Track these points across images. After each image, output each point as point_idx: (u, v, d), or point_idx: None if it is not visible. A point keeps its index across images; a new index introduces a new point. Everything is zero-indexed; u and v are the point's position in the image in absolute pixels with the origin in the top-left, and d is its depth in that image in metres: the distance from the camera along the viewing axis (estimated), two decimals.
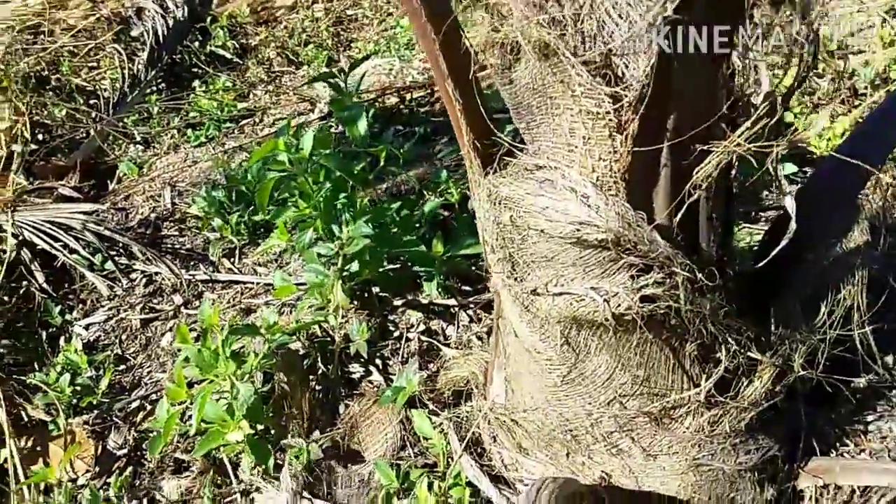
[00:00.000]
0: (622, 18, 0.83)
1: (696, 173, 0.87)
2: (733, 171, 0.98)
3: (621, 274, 0.96)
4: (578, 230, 0.93)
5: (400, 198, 2.06)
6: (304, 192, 1.88)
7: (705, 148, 0.86)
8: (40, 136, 2.88)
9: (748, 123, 0.82)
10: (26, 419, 1.89)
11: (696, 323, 0.98)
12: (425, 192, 2.25)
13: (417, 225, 1.95)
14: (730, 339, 1.02)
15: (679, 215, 0.93)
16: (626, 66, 0.85)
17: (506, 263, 1.07)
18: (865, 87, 2.24)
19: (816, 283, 1.16)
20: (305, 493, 1.41)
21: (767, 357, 1.06)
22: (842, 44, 2.42)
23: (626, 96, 0.83)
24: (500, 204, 1.04)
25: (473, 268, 1.97)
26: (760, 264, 1.02)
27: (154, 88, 3.21)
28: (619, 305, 0.94)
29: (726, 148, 0.80)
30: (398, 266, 1.98)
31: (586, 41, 0.84)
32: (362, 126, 1.76)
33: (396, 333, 1.91)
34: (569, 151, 0.94)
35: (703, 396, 1.02)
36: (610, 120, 0.87)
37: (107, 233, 2.30)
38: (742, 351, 1.03)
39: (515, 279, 1.07)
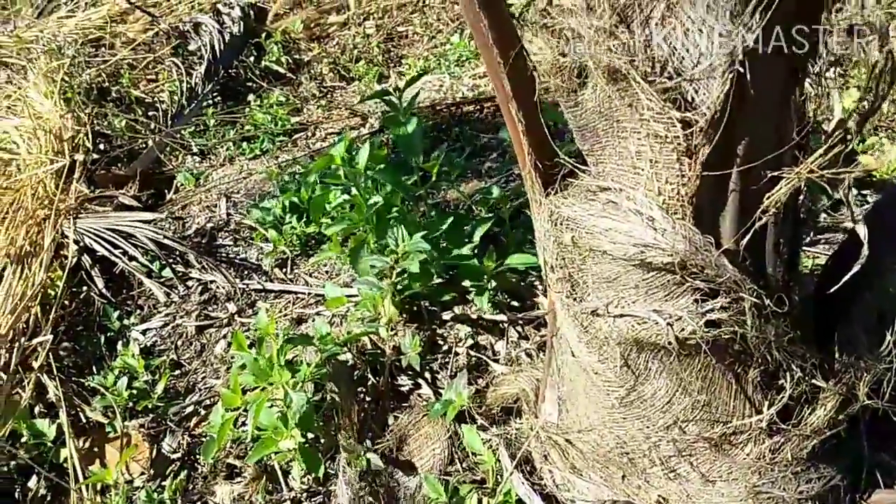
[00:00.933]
0: (693, 45, 0.83)
1: (766, 199, 0.87)
2: (801, 197, 0.97)
3: (685, 297, 0.95)
4: (643, 253, 0.93)
5: (450, 213, 2.08)
6: (358, 204, 1.92)
7: (776, 174, 0.85)
8: (101, 146, 2.97)
9: (821, 151, 0.81)
10: (84, 420, 1.95)
11: (761, 349, 0.97)
12: (474, 207, 2.27)
13: (468, 240, 1.97)
14: (794, 366, 1.01)
15: (746, 240, 0.93)
16: (697, 92, 0.85)
17: (565, 283, 1.08)
18: None
19: (882, 310, 1.13)
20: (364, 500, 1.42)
21: (831, 385, 1.05)
22: None
23: (696, 122, 0.83)
24: (561, 224, 1.04)
25: (523, 284, 1.98)
26: (827, 290, 1.00)
27: (210, 101, 3.29)
28: (684, 330, 0.94)
29: (799, 174, 0.80)
30: (447, 280, 2.00)
31: (656, 66, 0.85)
32: (417, 143, 1.78)
33: (445, 347, 1.92)
34: (634, 174, 0.94)
35: (765, 423, 1.01)
36: (679, 144, 0.87)
37: (165, 241, 2.36)
38: (806, 378, 1.02)
39: (575, 299, 1.07)
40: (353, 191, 1.91)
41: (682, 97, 0.86)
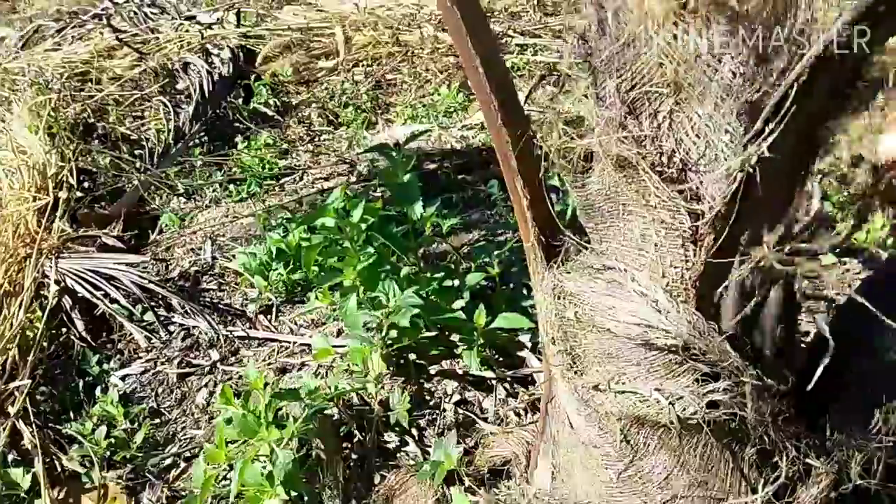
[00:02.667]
0: (699, 137, 0.87)
1: (731, 276, 0.89)
2: (797, 282, 1.00)
3: (686, 377, 0.97)
4: (647, 333, 0.95)
5: (441, 266, 2.09)
6: (349, 257, 1.92)
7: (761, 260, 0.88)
8: (85, 184, 2.95)
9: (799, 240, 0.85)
10: (60, 470, 1.90)
11: (759, 429, 0.99)
12: (464, 261, 2.29)
13: (458, 295, 1.98)
14: (789, 445, 1.03)
15: (746, 323, 0.95)
16: (702, 183, 0.89)
17: (566, 356, 1.09)
18: None
19: (872, 388, 1.16)
20: None
21: (824, 463, 1.07)
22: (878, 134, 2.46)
23: (703, 213, 0.86)
24: (564, 299, 1.06)
25: (511, 341, 1.99)
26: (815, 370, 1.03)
27: (197, 141, 3.30)
28: (685, 409, 0.96)
29: (765, 258, 0.82)
30: (436, 334, 2.00)
31: (664, 157, 0.88)
32: (415, 200, 1.80)
33: (432, 402, 1.91)
34: (639, 255, 0.97)
35: (760, 502, 1.02)
36: (684, 231, 0.90)
37: (148, 285, 2.34)
38: (800, 457, 1.04)
39: (576, 372, 1.08)
40: (346, 243, 1.92)
41: (688, 187, 0.89)
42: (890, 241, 2.10)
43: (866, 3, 0.57)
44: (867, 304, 1.23)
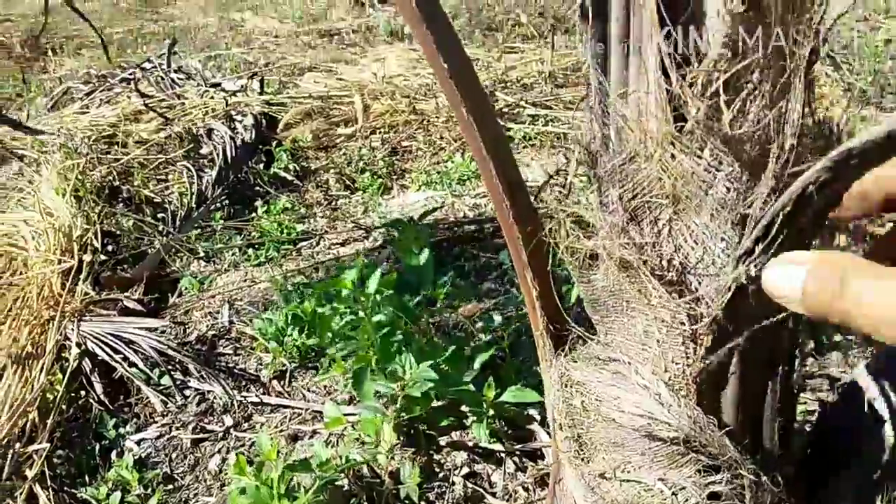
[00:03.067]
0: (697, 244, 0.92)
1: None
2: (795, 375, 1.04)
3: (689, 467, 1.01)
4: (650, 425, 0.99)
5: (453, 338, 2.14)
6: (363, 327, 1.98)
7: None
8: (109, 247, 3.04)
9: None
10: None
11: None
12: (475, 332, 2.34)
13: (468, 366, 2.02)
14: None
15: (745, 417, 0.99)
16: (700, 283, 0.94)
17: (573, 443, 1.13)
18: None
19: (871, 474, 1.19)
20: None
21: None
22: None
23: (701, 316, 0.91)
24: (571, 387, 1.11)
25: (521, 414, 2.02)
26: (814, 459, 1.06)
27: (219, 205, 3.40)
28: (688, 500, 0.99)
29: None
30: (446, 404, 2.04)
31: (664, 261, 0.94)
32: (428, 273, 1.87)
33: (441, 475, 1.93)
34: (642, 349, 1.02)
35: None
36: (684, 330, 0.95)
37: (166, 350, 2.40)
38: None
39: (582, 459, 1.12)
40: (360, 313, 1.97)
41: (687, 287, 0.95)
42: None
43: (835, 159, 0.64)
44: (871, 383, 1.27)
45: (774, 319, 0.95)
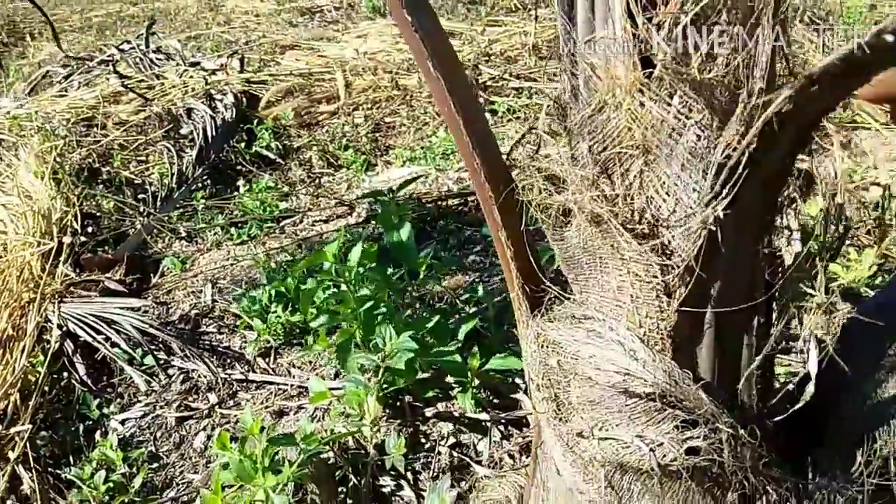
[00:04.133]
0: (668, 195, 0.91)
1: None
2: (773, 330, 1.03)
3: (666, 423, 1.00)
4: (626, 381, 0.98)
5: (436, 309, 2.13)
6: (346, 300, 1.96)
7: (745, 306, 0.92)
8: (89, 229, 3.00)
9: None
10: None
11: (739, 474, 1.01)
12: (459, 303, 2.33)
13: (453, 337, 2.01)
14: (770, 490, 1.05)
15: (722, 372, 0.98)
16: (673, 237, 0.93)
17: (551, 403, 1.12)
18: (890, 219, 2.31)
19: (856, 431, 1.18)
20: None
21: None
22: (865, 175, 2.52)
23: (672, 268, 0.90)
24: (547, 347, 1.09)
25: (506, 382, 2.02)
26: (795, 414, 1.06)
27: (200, 185, 3.36)
28: (665, 456, 0.98)
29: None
30: (431, 375, 2.03)
31: (635, 214, 0.92)
32: (410, 247, 1.85)
33: (427, 445, 1.93)
34: (616, 306, 1.00)
35: None
36: (657, 284, 0.93)
37: (149, 329, 2.37)
38: (782, 502, 1.06)
39: (560, 419, 1.11)
40: (343, 286, 1.95)
41: (660, 242, 0.93)
42: (878, 281, 2.13)
43: (796, 87, 0.62)
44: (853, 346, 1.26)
45: (748, 266, 0.95)
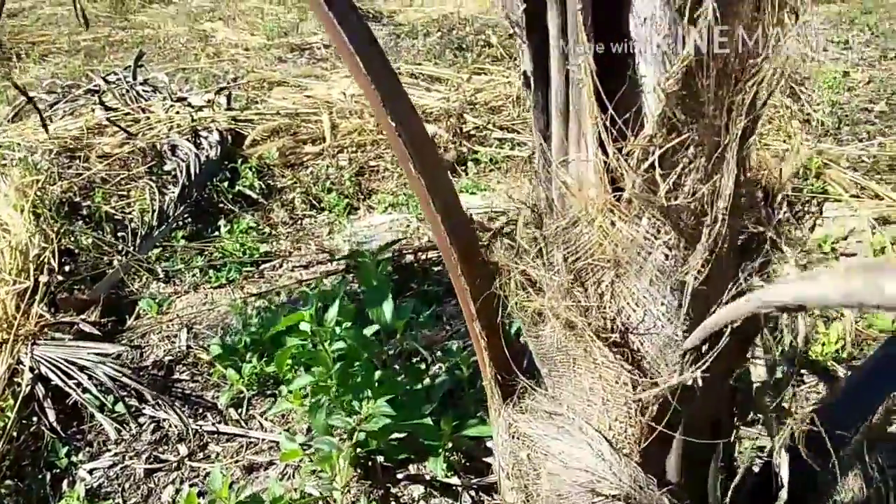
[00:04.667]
0: (638, 306, 0.94)
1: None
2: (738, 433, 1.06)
3: None
4: (592, 482, 1.00)
5: (412, 368, 2.14)
6: (321, 359, 1.96)
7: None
8: (66, 267, 2.98)
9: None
10: None
11: None
12: (433, 358, 2.34)
13: (427, 398, 2.02)
14: None
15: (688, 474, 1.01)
16: (642, 343, 0.96)
17: (520, 493, 1.14)
18: None
19: None
20: None
21: None
22: (834, 246, 2.58)
23: (644, 387, 0.93)
24: (518, 439, 1.11)
25: (479, 447, 2.02)
26: None
27: (181, 223, 3.36)
28: None
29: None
30: (404, 436, 2.03)
31: (607, 323, 0.95)
32: (389, 311, 1.87)
33: None
34: (588, 406, 1.03)
35: None
36: (628, 391, 0.96)
37: (121, 377, 2.35)
38: None
39: None
40: (319, 345, 1.96)
41: (630, 349, 0.96)
42: (845, 354, 2.18)
43: (786, 304, 0.66)
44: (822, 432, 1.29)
45: (718, 389, 0.98)
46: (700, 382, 0.86)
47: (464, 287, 1.10)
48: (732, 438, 1.05)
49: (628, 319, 0.95)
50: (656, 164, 0.82)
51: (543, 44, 0.86)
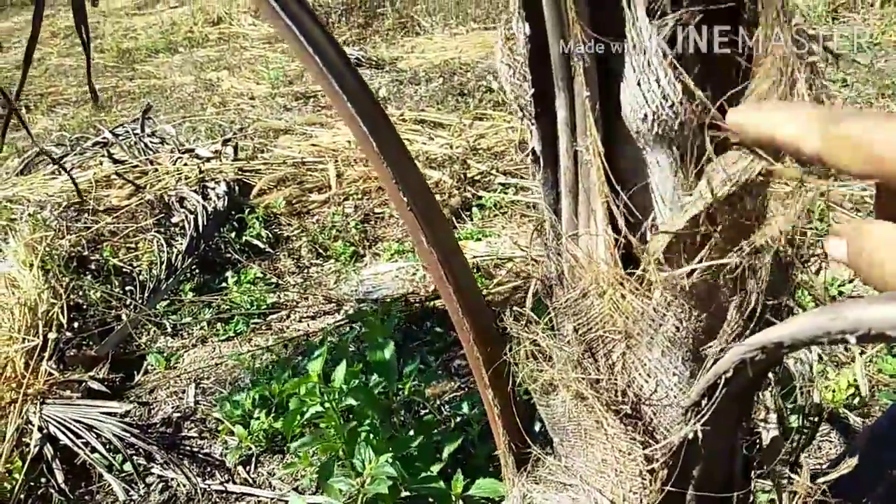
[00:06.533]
0: (650, 377, 0.94)
1: None
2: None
3: None
4: None
5: (420, 425, 2.12)
6: (328, 418, 1.95)
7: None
8: (75, 324, 2.99)
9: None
10: None
11: None
12: (442, 411, 2.32)
13: (437, 455, 2.00)
14: None
15: None
16: (654, 414, 0.95)
17: None
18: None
19: None
20: None
21: None
22: (842, 289, 2.58)
23: (655, 454, 0.92)
24: None
25: None
26: None
27: (188, 276, 3.38)
28: None
29: None
30: (413, 496, 2.01)
31: (618, 394, 0.95)
32: (393, 368, 1.86)
33: None
34: (601, 477, 1.02)
35: None
36: (641, 462, 0.96)
37: (129, 437, 2.34)
38: None
39: None
40: (327, 405, 1.95)
41: (642, 420, 0.96)
42: (856, 402, 2.17)
43: (766, 345, 0.66)
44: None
45: (726, 451, 0.97)
46: (700, 435, 0.85)
47: (476, 356, 1.10)
48: (746, 494, 1.03)
49: (640, 390, 0.95)
50: (679, 246, 0.82)
51: (551, 125, 0.88)
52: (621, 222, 0.86)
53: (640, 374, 0.95)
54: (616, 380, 0.96)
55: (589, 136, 0.81)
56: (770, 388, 0.99)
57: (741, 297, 0.80)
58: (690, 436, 0.83)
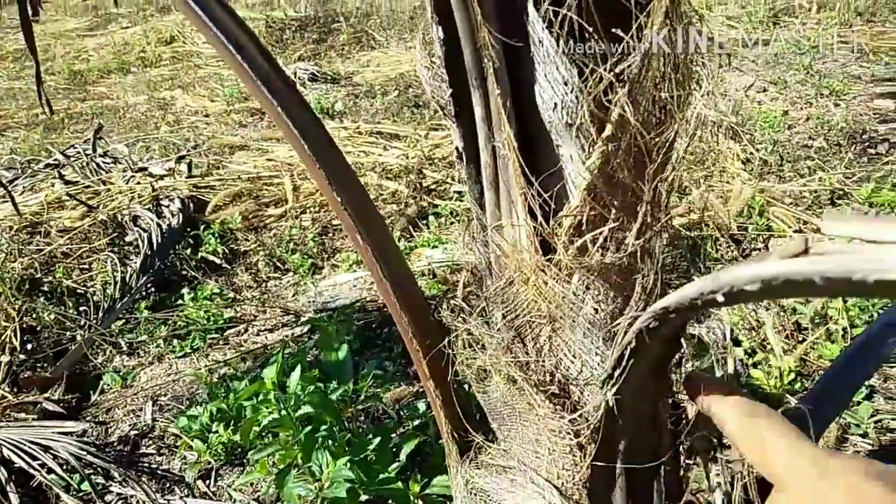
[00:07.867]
0: (575, 357, 0.99)
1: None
2: (682, 471, 1.11)
3: None
4: None
5: (378, 429, 2.15)
6: (285, 425, 1.97)
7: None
8: (29, 346, 2.95)
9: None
10: None
11: None
12: (401, 415, 2.36)
13: (395, 457, 2.03)
14: None
15: None
16: (582, 392, 1.01)
17: None
18: (807, 325, 2.47)
19: None
20: None
21: None
22: None
23: (582, 430, 0.97)
24: (475, 494, 1.15)
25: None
26: None
27: (143, 294, 3.36)
28: None
29: None
30: (372, 498, 2.03)
31: (546, 375, 1.00)
32: (347, 369, 1.89)
33: None
34: (536, 457, 1.07)
35: None
36: (570, 440, 1.01)
37: (86, 456, 2.32)
38: None
39: None
40: (283, 411, 1.97)
41: (570, 398, 1.01)
42: (797, 386, 2.26)
43: (657, 312, 0.72)
44: None
45: (650, 424, 1.03)
46: (616, 407, 0.90)
47: (416, 349, 1.15)
48: (675, 467, 1.09)
49: (567, 370, 1.00)
50: (583, 228, 0.88)
51: (471, 122, 0.93)
52: (539, 212, 0.91)
53: (565, 356, 1.00)
54: (544, 362, 1.01)
55: (503, 131, 0.87)
56: (687, 362, 1.05)
57: (642, 275, 0.87)
58: (609, 405, 0.88)
